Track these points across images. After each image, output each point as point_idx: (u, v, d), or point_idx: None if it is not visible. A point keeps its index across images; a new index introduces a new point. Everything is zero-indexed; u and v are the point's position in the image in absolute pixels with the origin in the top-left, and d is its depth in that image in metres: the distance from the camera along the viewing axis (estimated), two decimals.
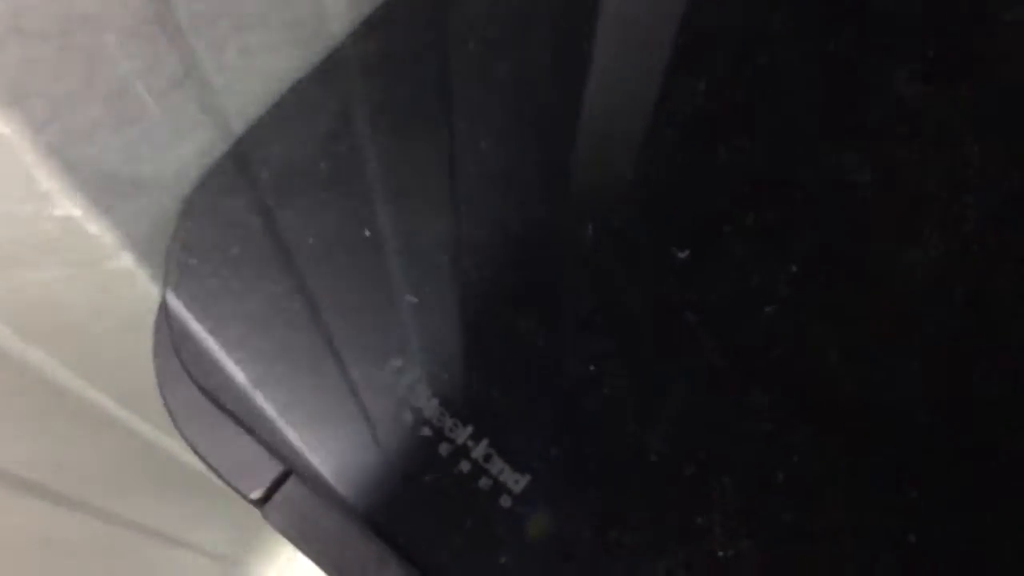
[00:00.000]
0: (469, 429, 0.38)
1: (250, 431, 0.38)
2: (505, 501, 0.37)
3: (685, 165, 0.44)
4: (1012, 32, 0.47)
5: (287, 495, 0.39)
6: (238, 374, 0.39)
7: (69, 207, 0.34)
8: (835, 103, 0.45)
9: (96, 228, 0.37)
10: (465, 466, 0.38)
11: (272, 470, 0.39)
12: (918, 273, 0.41)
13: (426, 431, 0.38)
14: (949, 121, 0.44)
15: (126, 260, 0.40)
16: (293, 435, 0.38)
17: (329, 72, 0.44)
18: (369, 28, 0.46)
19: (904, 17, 0.49)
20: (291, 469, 0.39)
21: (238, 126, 0.41)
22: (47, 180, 0.33)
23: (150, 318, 0.41)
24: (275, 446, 0.38)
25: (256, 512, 0.39)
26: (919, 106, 0.45)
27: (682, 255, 0.41)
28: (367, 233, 0.41)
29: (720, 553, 0.36)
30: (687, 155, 0.44)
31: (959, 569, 0.35)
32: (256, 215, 0.41)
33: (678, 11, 0.49)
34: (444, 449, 0.38)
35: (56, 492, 0.50)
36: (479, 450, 0.38)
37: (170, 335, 0.39)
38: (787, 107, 0.45)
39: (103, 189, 0.36)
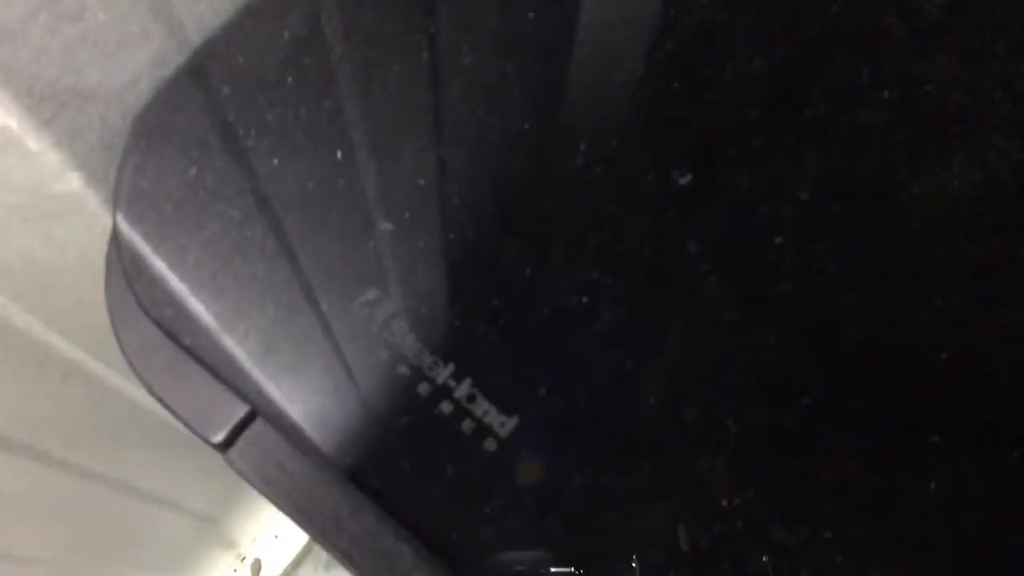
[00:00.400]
0: (451, 367, 0.35)
1: (210, 369, 0.35)
2: (490, 445, 0.34)
3: (688, 82, 0.40)
4: None
5: (252, 438, 0.36)
6: (196, 307, 0.35)
7: (2, 115, 0.30)
8: (851, 15, 0.41)
9: (36, 144, 0.33)
10: (447, 407, 0.35)
11: (235, 412, 0.36)
12: (938, 202, 0.37)
13: (403, 369, 0.35)
14: (976, 34, 0.41)
15: (74, 182, 0.36)
16: (257, 374, 0.35)
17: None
18: None
19: None
20: (256, 411, 0.35)
21: (195, 35, 0.37)
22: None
23: (103, 248, 0.37)
24: (238, 386, 0.35)
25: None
26: (943, 17, 0.41)
27: (683, 180, 0.37)
28: (338, 154, 0.37)
29: (724, 502, 0.33)
30: (690, 72, 0.40)
31: (980, 514, 0.33)
32: (216, 133, 0.37)
33: None
34: (423, 389, 0.35)
35: (10, 441, 0.47)
36: (462, 390, 0.35)
37: (121, 266, 0.36)
38: (799, 19, 0.41)
39: (41, 98, 0.32)
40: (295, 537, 1.18)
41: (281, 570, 1.16)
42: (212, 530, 1.05)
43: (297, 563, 1.18)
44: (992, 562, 0.32)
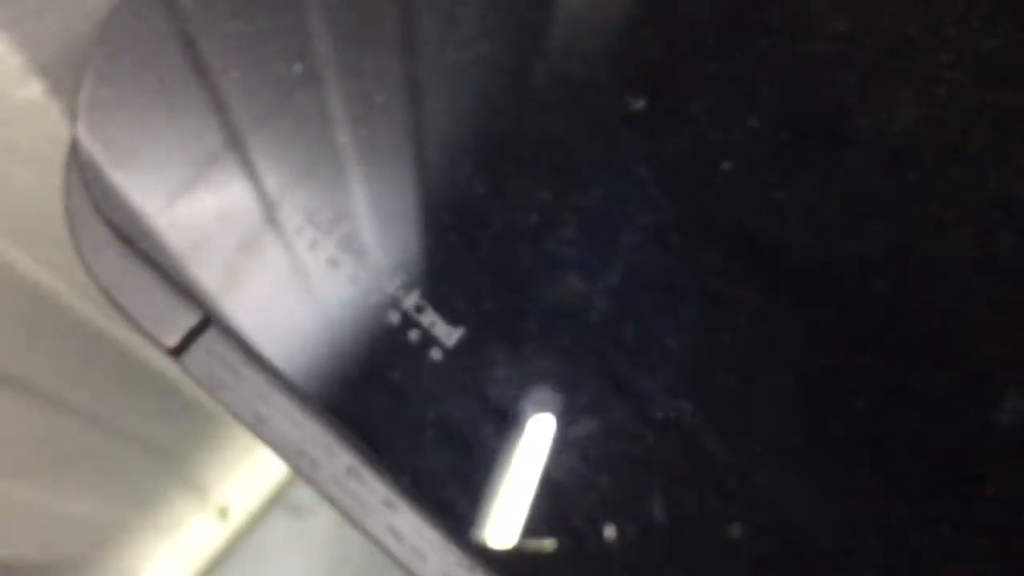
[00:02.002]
0: (400, 279, 0.36)
1: (166, 275, 0.36)
2: (436, 354, 0.35)
3: (643, 7, 0.41)
4: None
5: (205, 345, 0.37)
6: (153, 212, 0.36)
7: None
8: None
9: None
10: (395, 317, 0.35)
11: (189, 319, 0.36)
12: (889, 132, 0.38)
13: (355, 282, 0.36)
14: None
15: (35, 88, 0.36)
16: (210, 280, 0.36)
17: None
18: None
19: None
20: (209, 317, 0.36)
21: None
22: None
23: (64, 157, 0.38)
24: (192, 291, 0.36)
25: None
26: None
27: (637, 105, 0.38)
28: (298, 68, 0.38)
29: (660, 415, 0.34)
30: None
31: (908, 434, 0.34)
32: (177, 43, 0.37)
33: None
34: (373, 299, 0.35)
35: None
36: (410, 300, 0.36)
37: (80, 171, 0.36)
38: None
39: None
40: (262, 484, 1.19)
41: (247, 515, 1.17)
42: (179, 472, 1.06)
43: (264, 509, 1.19)
44: (925, 476, 0.33)
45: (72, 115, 0.36)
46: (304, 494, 1.21)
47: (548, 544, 0.33)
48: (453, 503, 0.34)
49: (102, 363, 0.72)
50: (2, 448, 0.63)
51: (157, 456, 0.99)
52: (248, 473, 1.19)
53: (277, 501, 1.20)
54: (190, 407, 0.95)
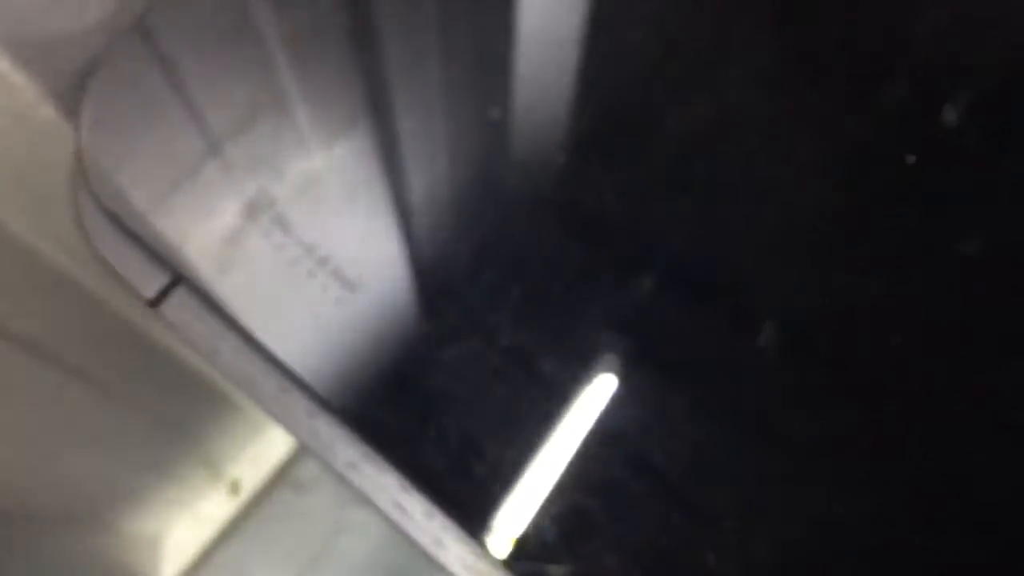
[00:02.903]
0: (321, 250, 0.49)
1: (145, 245, 0.49)
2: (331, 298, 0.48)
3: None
4: None
5: (177, 300, 0.50)
6: (138, 202, 0.49)
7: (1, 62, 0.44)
8: None
9: (20, 79, 0.47)
10: (311, 270, 0.48)
11: (163, 278, 0.49)
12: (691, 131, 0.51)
13: (289, 251, 0.48)
14: None
15: (50, 110, 0.50)
16: (181, 250, 0.49)
17: None
18: None
19: None
20: (179, 277, 0.49)
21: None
22: None
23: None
24: (166, 258, 0.49)
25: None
26: None
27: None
28: (250, 90, 0.51)
29: (505, 342, 0.47)
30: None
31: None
32: (156, 72, 0.51)
33: None
34: (302, 266, 0.48)
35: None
36: (320, 259, 0.48)
37: (83, 173, 0.49)
38: None
39: (23, 44, 0.45)
40: (270, 461, 1.32)
41: (256, 490, 1.30)
42: (194, 449, 1.19)
43: (272, 484, 1.32)
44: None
45: (77, 129, 0.50)
46: (308, 471, 1.34)
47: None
48: (357, 413, 0.46)
49: (122, 342, 0.84)
50: (28, 412, 0.76)
51: (174, 432, 1.11)
52: (257, 451, 1.32)
53: (283, 477, 1.33)
54: (205, 389, 1.08)
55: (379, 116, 0.51)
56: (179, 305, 0.49)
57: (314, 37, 0.53)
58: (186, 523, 1.27)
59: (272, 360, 0.47)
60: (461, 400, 0.46)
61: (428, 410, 0.46)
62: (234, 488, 1.29)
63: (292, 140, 0.50)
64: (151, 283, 0.49)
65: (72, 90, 0.49)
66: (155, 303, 0.49)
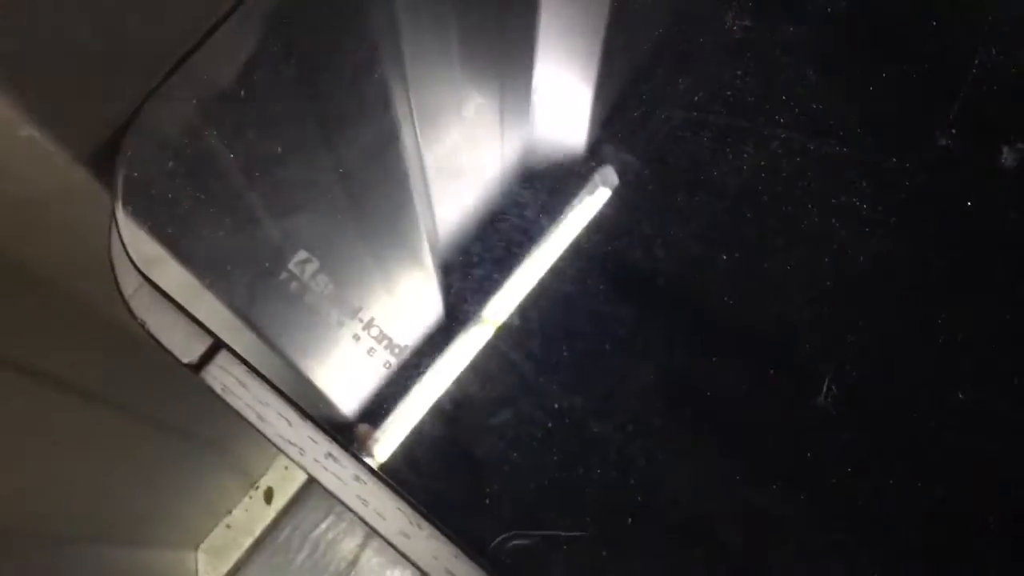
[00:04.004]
0: (363, 315, 0.48)
1: (183, 310, 0.48)
2: (388, 364, 0.47)
3: None
4: None
5: (220, 364, 0.49)
6: (175, 265, 0.48)
7: (28, 128, 0.44)
8: None
9: (53, 147, 0.46)
10: (355, 339, 0.47)
11: (204, 343, 0.49)
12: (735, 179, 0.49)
13: (326, 314, 0.48)
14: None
15: (82, 174, 0.49)
16: (220, 316, 0.48)
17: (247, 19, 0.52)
18: None
19: None
20: (219, 343, 0.48)
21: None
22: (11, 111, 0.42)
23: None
24: (205, 323, 0.48)
25: None
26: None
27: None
28: (279, 150, 0.50)
29: (554, 405, 0.46)
30: None
31: (739, 417, 0.45)
32: (186, 135, 0.50)
33: None
34: (336, 324, 0.47)
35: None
36: (370, 329, 0.48)
37: (119, 237, 0.49)
38: None
39: (56, 116, 0.45)
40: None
41: (290, 497, 1.31)
42: (226, 461, 1.19)
43: (304, 491, 1.33)
44: (751, 448, 0.44)
45: (112, 192, 0.49)
46: None
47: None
48: (407, 480, 0.46)
49: (157, 371, 0.84)
50: (63, 442, 0.76)
51: (208, 446, 1.12)
52: (291, 463, 1.32)
53: (314, 484, 1.33)
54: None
55: (414, 178, 0.50)
56: (221, 370, 0.49)
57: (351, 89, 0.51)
58: (221, 532, 1.27)
59: (318, 426, 0.47)
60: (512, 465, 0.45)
61: (479, 476, 0.45)
62: (268, 497, 1.29)
63: (337, 202, 0.49)
64: (191, 348, 0.49)
65: (104, 153, 0.48)
66: (197, 368, 0.49)
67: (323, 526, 1.33)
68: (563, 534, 0.44)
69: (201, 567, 1.29)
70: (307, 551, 1.32)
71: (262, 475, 1.31)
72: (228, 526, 1.29)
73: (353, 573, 1.30)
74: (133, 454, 0.93)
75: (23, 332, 0.57)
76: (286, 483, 1.32)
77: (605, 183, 0.49)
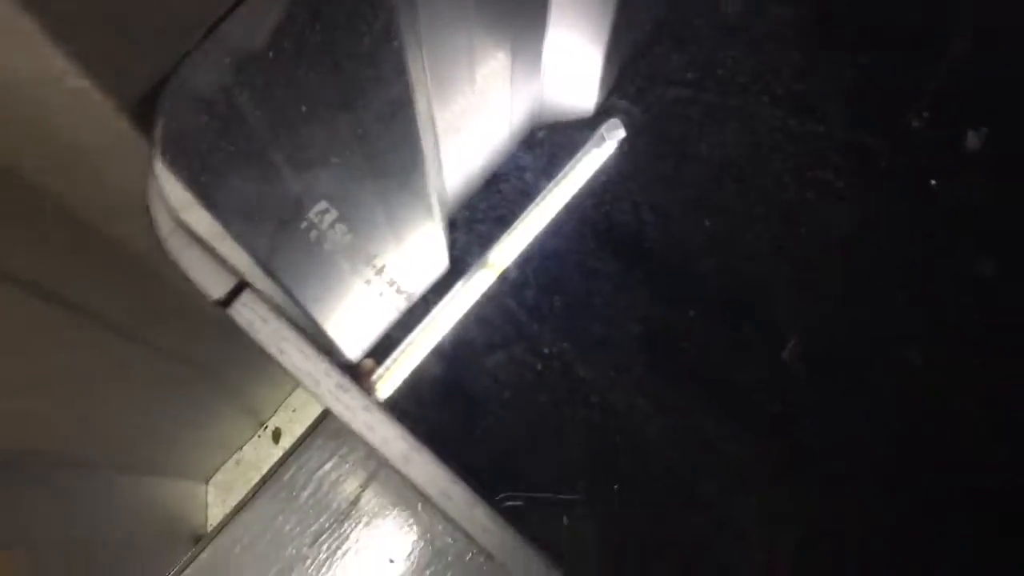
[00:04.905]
0: (375, 260, 0.53)
1: (213, 251, 0.53)
2: (397, 308, 0.52)
3: None
4: None
5: (245, 302, 0.54)
6: (207, 210, 0.53)
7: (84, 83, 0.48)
8: None
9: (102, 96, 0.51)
10: (369, 276, 0.52)
11: (230, 283, 0.54)
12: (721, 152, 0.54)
13: (339, 258, 0.52)
14: None
15: (122, 124, 0.53)
16: (246, 257, 0.53)
17: None
18: None
19: None
20: (244, 282, 0.53)
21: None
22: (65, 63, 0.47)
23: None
24: (233, 264, 0.53)
25: None
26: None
27: None
28: (303, 109, 0.54)
29: (546, 350, 0.51)
30: None
31: (718, 367, 0.50)
32: (220, 92, 0.54)
33: None
34: (346, 266, 0.52)
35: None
36: (378, 264, 0.52)
37: (159, 184, 0.54)
38: None
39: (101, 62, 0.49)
40: (310, 411, 1.38)
41: (296, 438, 1.37)
42: (238, 400, 1.25)
43: (311, 433, 1.39)
44: (726, 397, 0.49)
45: (151, 140, 0.53)
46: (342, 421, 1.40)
47: None
48: (409, 411, 0.51)
49: (180, 309, 0.89)
50: (84, 371, 0.81)
51: (222, 384, 1.17)
52: (298, 403, 1.38)
53: (320, 427, 1.39)
54: (253, 345, 1.13)
55: (426, 138, 0.54)
56: (245, 307, 0.54)
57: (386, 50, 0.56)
58: (230, 468, 1.34)
59: (331, 359, 0.52)
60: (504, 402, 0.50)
61: (473, 411, 0.50)
62: (276, 437, 1.35)
63: (355, 159, 0.54)
64: (219, 286, 0.54)
65: (146, 103, 0.53)
66: (224, 304, 0.54)
67: (327, 467, 1.39)
68: (557, 495, 0.49)
69: (211, 499, 1.35)
70: (311, 489, 1.38)
71: (271, 416, 1.37)
72: (237, 462, 1.35)
73: (354, 511, 1.36)
74: (155, 388, 0.98)
75: (64, 268, 0.62)
76: (293, 424, 1.38)
77: (601, 149, 0.53)
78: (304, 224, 0.51)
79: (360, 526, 1.34)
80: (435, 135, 0.54)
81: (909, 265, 0.48)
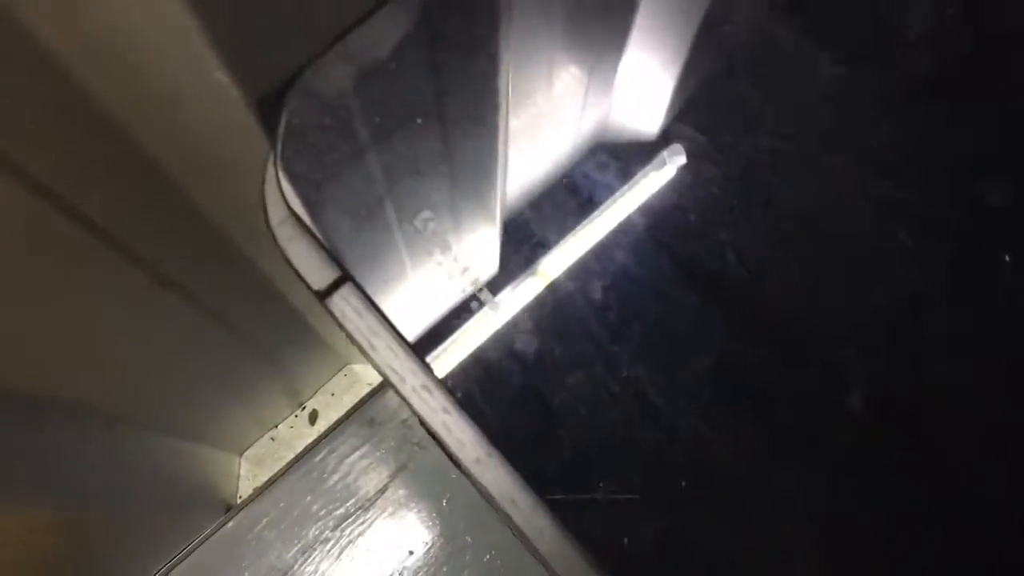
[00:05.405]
0: (469, 271, 0.56)
1: (320, 243, 0.56)
2: (476, 307, 0.55)
3: None
4: None
5: (343, 295, 0.58)
6: (317, 206, 0.57)
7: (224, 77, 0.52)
8: None
9: (236, 93, 0.55)
10: (457, 286, 0.56)
11: (332, 274, 0.57)
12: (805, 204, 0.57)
13: (439, 265, 0.56)
14: None
15: (249, 119, 0.57)
16: (349, 253, 0.56)
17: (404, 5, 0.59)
18: None
19: None
20: (346, 276, 0.57)
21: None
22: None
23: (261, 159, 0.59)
24: (337, 257, 0.56)
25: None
26: None
27: None
28: (418, 120, 0.58)
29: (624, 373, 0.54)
30: None
31: (779, 401, 0.53)
32: (340, 97, 0.58)
33: None
34: (444, 277, 0.56)
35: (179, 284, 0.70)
36: (473, 283, 0.56)
37: (276, 175, 0.57)
38: None
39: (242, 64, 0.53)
40: (349, 397, 1.42)
41: (332, 422, 1.41)
42: (281, 378, 1.29)
43: (346, 419, 1.42)
44: (788, 432, 0.52)
45: (273, 137, 0.57)
46: (378, 410, 1.44)
47: None
48: (486, 415, 0.54)
49: (250, 288, 0.93)
50: (164, 343, 0.85)
51: (267, 361, 1.21)
52: (338, 390, 1.42)
53: (357, 413, 1.43)
54: (302, 327, 1.17)
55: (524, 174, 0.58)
56: (342, 300, 0.57)
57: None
58: (265, 443, 1.38)
59: (419, 361, 0.55)
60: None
61: (548, 422, 0.54)
62: (312, 418, 1.39)
63: (442, 167, 0.57)
64: (321, 278, 0.57)
65: (271, 103, 0.57)
66: (323, 296, 0.57)
67: (358, 453, 1.43)
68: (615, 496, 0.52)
69: (243, 471, 1.39)
70: (340, 474, 1.42)
71: (310, 398, 1.41)
72: (272, 439, 1.39)
73: (380, 500, 1.40)
74: (214, 364, 1.02)
75: (170, 249, 0.66)
76: (330, 409, 1.42)
77: (660, 173, 0.56)
78: (408, 228, 0.55)
79: (384, 515, 1.37)
80: (507, 141, 0.57)
81: (974, 332, 0.51)
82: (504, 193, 0.53)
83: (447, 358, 0.56)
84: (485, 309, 0.53)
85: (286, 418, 1.38)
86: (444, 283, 0.53)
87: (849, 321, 0.53)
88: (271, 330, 1.13)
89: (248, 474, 1.38)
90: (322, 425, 1.37)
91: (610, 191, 0.52)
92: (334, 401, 1.39)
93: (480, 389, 0.53)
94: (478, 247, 0.53)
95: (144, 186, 0.61)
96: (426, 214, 0.54)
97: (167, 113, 0.55)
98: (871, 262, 0.54)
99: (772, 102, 0.56)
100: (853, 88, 0.57)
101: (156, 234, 0.68)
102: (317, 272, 0.57)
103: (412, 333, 0.54)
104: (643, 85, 0.56)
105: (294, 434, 1.38)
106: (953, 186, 0.55)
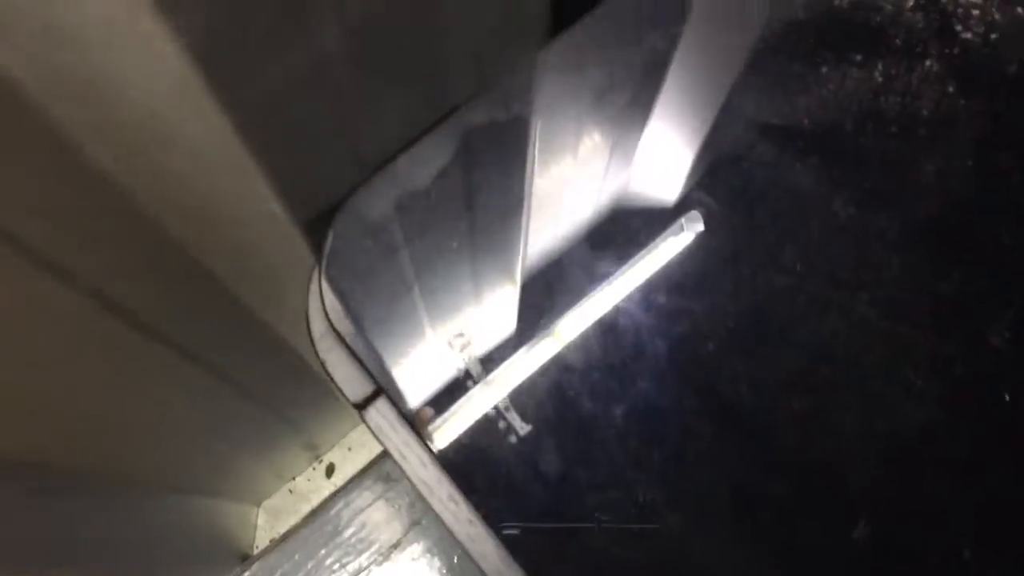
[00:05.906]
0: (501, 387, 0.59)
1: (358, 360, 0.60)
2: (512, 439, 0.59)
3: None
4: None
5: (379, 407, 0.61)
6: (357, 324, 0.60)
7: (276, 207, 0.56)
8: None
9: (287, 222, 0.58)
10: (492, 410, 0.59)
11: (368, 388, 0.61)
12: (820, 341, 0.60)
13: (471, 383, 0.59)
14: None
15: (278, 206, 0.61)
16: (384, 368, 0.60)
17: (445, 135, 0.63)
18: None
19: None
20: (381, 390, 0.61)
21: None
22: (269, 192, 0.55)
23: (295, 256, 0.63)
24: (372, 373, 0.60)
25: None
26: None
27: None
28: (454, 245, 0.61)
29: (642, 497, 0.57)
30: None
31: (791, 532, 0.56)
32: (382, 222, 0.62)
33: None
34: (476, 394, 0.59)
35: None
36: (502, 402, 0.59)
37: (319, 291, 0.61)
38: None
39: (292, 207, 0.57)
40: (365, 452, 1.45)
41: (348, 476, 1.44)
42: (298, 435, 1.32)
43: (363, 472, 1.45)
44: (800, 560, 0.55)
45: (318, 254, 0.61)
46: (392, 466, 1.47)
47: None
48: (508, 529, 0.57)
49: (265, 352, 0.96)
50: (167, 401, 0.88)
51: (284, 419, 1.24)
52: (354, 443, 1.45)
53: (372, 468, 1.46)
54: (318, 385, 1.20)
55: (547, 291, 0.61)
56: (378, 413, 0.61)
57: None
58: (283, 495, 1.41)
59: (447, 474, 0.59)
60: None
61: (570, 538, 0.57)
62: (329, 472, 1.42)
63: (480, 288, 0.61)
64: (358, 391, 0.61)
65: (315, 225, 0.61)
66: (360, 407, 0.61)
67: (373, 507, 1.45)
68: None
69: (260, 521, 1.42)
70: (355, 527, 1.45)
71: (327, 451, 1.43)
72: (290, 491, 1.42)
73: (395, 554, 1.42)
74: (229, 423, 1.05)
75: (204, 331, 0.70)
76: (347, 463, 1.45)
77: (678, 238, 0.60)
78: (442, 345, 0.58)
79: (398, 569, 1.40)
80: (530, 209, 0.61)
81: (975, 470, 0.54)
82: (525, 252, 0.57)
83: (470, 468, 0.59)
84: (512, 431, 0.56)
85: (304, 471, 1.41)
86: (474, 401, 0.56)
87: (857, 455, 0.56)
88: (291, 394, 1.16)
89: (265, 524, 1.41)
90: (339, 479, 1.39)
91: (626, 256, 0.56)
92: (351, 456, 1.42)
93: (507, 507, 0.57)
94: (505, 367, 0.56)
95: (195, 287, 0.65)
96: (460, 334, 0.58)
97: (227, 233, 0.59)
98: (878, 399, 0.57)
99: (789, 242, 0.59)
100: (866, 227, 0.60)
101: (199, 327, 0.72)
102: (354, 385, 0.61)
103: (439, 441, 0.57)
104: (664, 150, 0.60)
105: (311, 487, 1.41)
106: (959, 325, 0.58)
